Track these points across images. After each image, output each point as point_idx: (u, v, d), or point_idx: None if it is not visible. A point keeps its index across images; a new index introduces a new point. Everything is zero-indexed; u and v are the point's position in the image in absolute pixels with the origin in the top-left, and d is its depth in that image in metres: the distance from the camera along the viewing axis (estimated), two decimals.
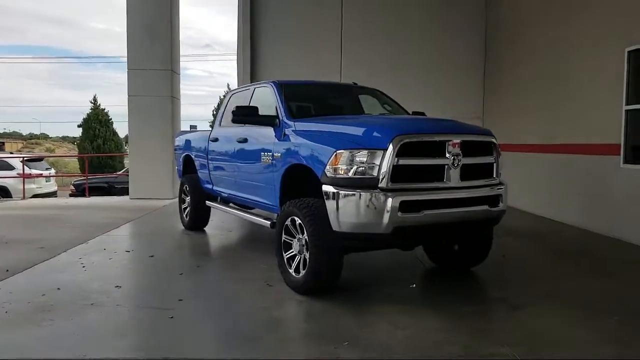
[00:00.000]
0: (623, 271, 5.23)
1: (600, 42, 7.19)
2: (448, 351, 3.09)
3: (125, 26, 10.80)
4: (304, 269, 4.10)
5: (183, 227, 7.30)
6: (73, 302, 3.98)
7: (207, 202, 6.73)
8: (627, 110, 6.65)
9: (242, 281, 4.61)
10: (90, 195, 12.80)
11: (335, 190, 3.82)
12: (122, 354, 3.03)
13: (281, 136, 4.69)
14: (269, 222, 4.92)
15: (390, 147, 3.71)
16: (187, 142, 7.34)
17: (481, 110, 11.46)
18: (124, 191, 13.04)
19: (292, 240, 4.30)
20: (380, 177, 3.73)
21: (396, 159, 3.72)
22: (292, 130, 4.60)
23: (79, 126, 25.78)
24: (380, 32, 11.24)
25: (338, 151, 3.84)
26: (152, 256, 5.61)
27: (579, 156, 7.68)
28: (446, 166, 3.94)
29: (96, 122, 25.10)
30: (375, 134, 3.88)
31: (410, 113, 5.75)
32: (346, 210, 3.77)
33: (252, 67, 11.24)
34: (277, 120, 4.85)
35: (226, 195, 6.27)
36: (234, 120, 4.97)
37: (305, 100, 5.02)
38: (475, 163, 4.12)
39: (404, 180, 3.80)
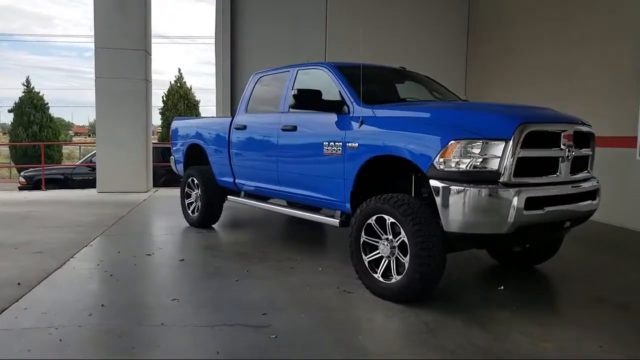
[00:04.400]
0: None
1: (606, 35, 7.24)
2: None
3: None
4: (398, 274, 3.65)
5: (188, 224, 6.56)
6: (139, 323, 3.27)
7: (229, 197, 6.04)
8: None
9: (312, 288, 4.05)
10: (46, 188, 11.39)
11: (447, 186, 3.39)
12: None
13: (356, 124, 4.16)
14: (338, 221, 4.39)
15: (515, 136, 3.34)
16: (196, 129, 6.56)
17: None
18: (83, 184, 11.75)
19: (377, 242, 3.82)
20: (502, 170, 3.35)
21: (520, 150, 3.36)
22: (372, 118, 4.09)
23: (9, 111, 23.14)
24: (366, 15, 10.68)
25: (452, 141, 3.39)
26: (182, 260, 4.89)
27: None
28: (560, 158, 3.63)
29: (30, 106, 22.57)
30: (495, 121, 3.48)
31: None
32: (462, 208, 3.34)
33: (232, 51, 10.45)
34: (345, 106, 4.33)
35: (253, 189, 5.63)
36: (296, 106, 4.37)
37: (367, 84, 4.49)
38: (581, 155, 3.86)
39: (523, 174, 3.45)
